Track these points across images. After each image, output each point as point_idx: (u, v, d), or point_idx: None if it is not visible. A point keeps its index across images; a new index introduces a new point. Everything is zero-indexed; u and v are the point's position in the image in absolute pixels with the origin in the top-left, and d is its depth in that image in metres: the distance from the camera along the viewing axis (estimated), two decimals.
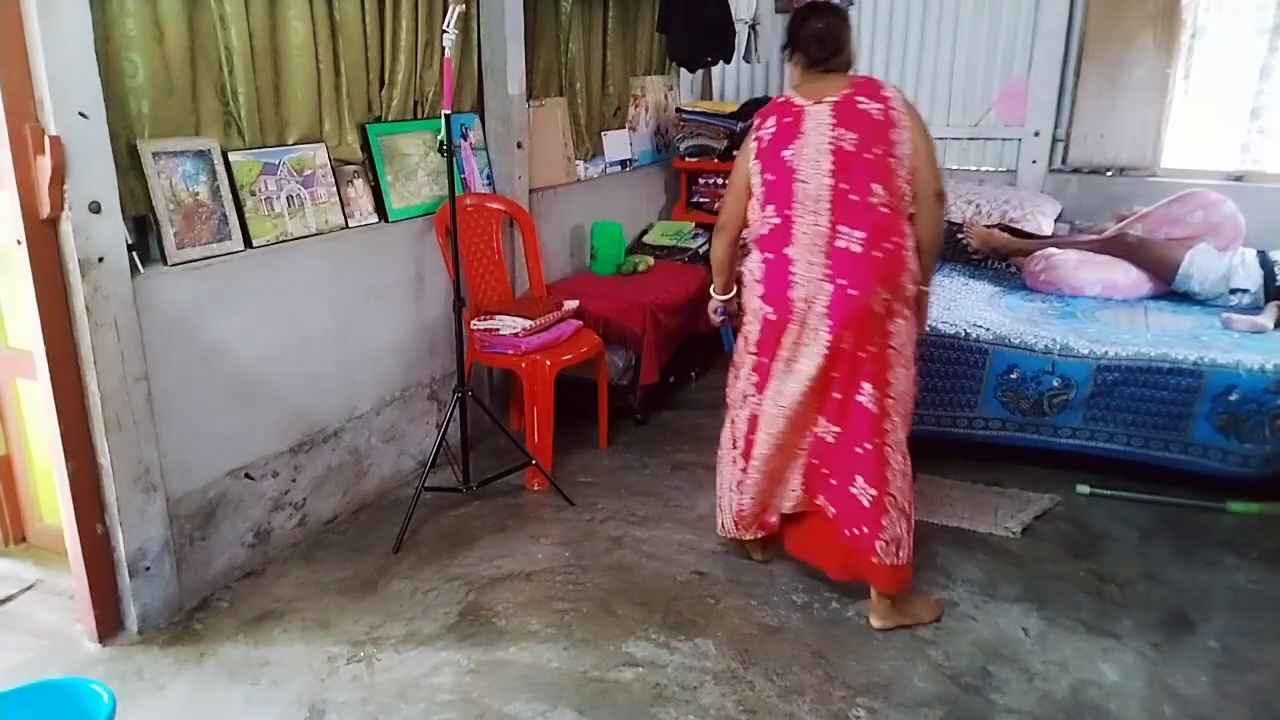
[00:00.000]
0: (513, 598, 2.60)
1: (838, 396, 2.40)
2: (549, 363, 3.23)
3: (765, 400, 2.48)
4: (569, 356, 3.30)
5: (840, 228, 2.32)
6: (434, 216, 3.26)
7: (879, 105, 2.33)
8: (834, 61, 2.42)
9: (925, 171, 2.38)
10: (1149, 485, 3.16)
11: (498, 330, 3.25)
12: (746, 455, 2.57)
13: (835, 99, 2.35)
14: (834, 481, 2.46)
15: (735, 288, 2.67)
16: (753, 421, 2.54)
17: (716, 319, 2.78)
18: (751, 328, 2.51)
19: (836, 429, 2.43)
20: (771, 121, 2.42)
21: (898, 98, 2.36)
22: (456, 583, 2.68)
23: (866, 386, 2.35)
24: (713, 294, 2.73)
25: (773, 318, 2.42)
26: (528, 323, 3.23)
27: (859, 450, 2.38)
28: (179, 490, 2.48)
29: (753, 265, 2.47)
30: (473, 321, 3.30)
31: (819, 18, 2.42)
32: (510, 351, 3.24)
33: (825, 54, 2.41)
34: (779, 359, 2.44)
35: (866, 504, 2.38)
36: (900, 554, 2.39)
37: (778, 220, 2.39)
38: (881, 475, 2.37)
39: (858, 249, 2.30)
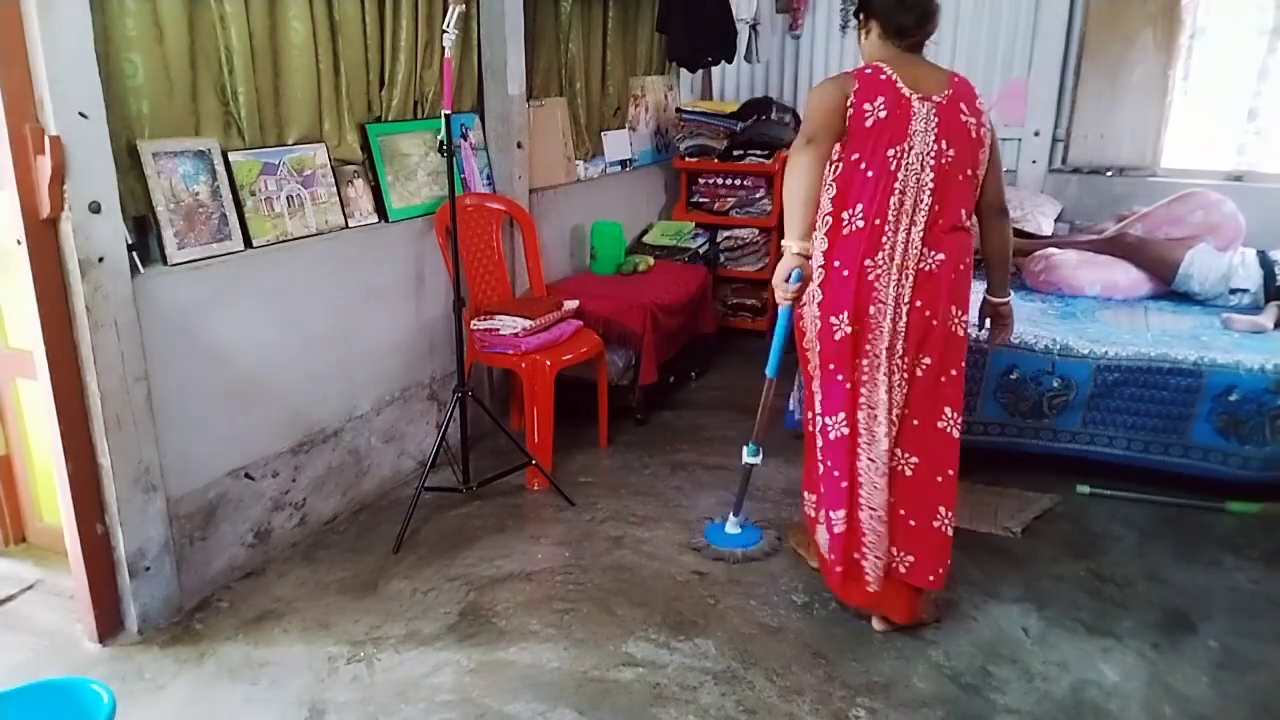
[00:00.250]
0: (513, 598, 2.60)
1: (916, 424, 2.26)
2: (549, 363, 3.23)
3: (848, 424, 2.26)
4: (569, 356, 3.30)
5: (927, 250, 2.17)
6: (434, 216, 3.26)
7: (974, 120, 2.21)
8: (923, 32, 2.24)
9: (994, 189, 2.30)
10: (1149, 485, 3.16)
11: (498, 330, 3.25)
12: (835, 498, 2.31)
13: (940, 100, 2.18)
14: (913, 522, 2.29)
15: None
16: (835, 450, 2.29)
17: (790, 292, 2.25)
18: (815, 340, 2.28)
19: (915, 460, 2.27)
20: (882, 103, 2.15)
21: (987, 113, 2.24)
22: (456, 583, 2.68)
23: (948, 411, 2.26)
24: (788, 247, 2.21)
25: (848, 331, 2.20)
26: (528, 323, 3.23)
27: (939, 479, 2.27)
28: (179, 490, 2.48)
29: (817, 260, 2.22)
30: (473, 321, 3.30)
31: None
32: (510, 351, 3.24)
33: (913, 22, 2.22)
34: (859, 382, 2.24)
35: (948, 535, 2.29)
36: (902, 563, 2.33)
37: (863, 224, 2.17)
38: (955, 504, 2.29)
39: (937, 270, 2.18)
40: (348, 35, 2.91)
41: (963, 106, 2.21)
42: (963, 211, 2.22)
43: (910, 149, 2.15)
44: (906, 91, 2.17)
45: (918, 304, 2.19)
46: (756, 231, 4.82)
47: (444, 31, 2.67)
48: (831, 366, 2.26)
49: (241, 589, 2.64)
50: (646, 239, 4.71)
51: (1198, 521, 3.02)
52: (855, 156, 2.17)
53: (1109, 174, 4.64)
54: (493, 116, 3.62)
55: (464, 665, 2.31)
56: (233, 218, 2.58)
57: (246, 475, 2.68)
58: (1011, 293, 2.55)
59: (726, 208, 4.83)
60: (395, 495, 3.21)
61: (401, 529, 2.87)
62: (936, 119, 2.17)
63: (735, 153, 4.73)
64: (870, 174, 2.16)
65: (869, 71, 2.20)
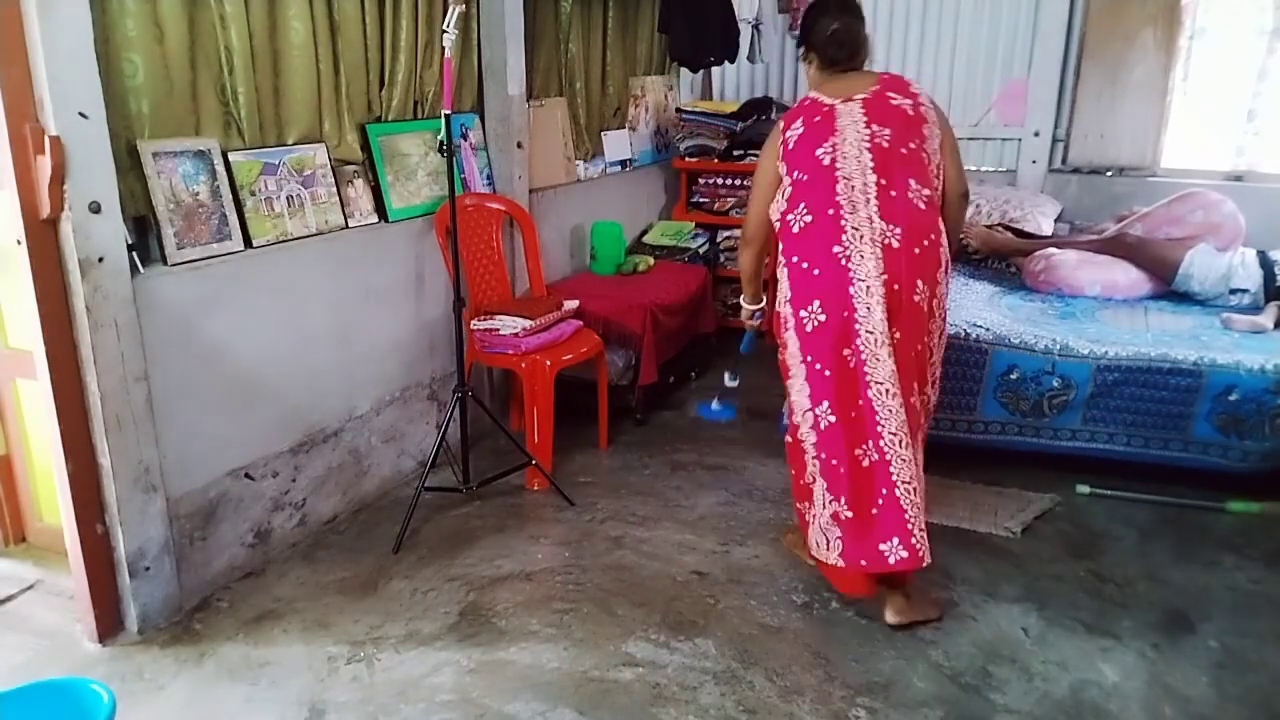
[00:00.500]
0: (513, 598, 2.60)
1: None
2: (549, 363, 3.23)
3: (834, 411, 2.31)
4: (569, 356, 3.30)
5: (888, 226, 2.27)
6: (434, 216, 3.26)
7: (909, 101, 2.35)
8: (853, 62, 2.41)
9: (953, 171, 2.40)
10: (1149, 485, 3.16)
11: (498, 330, 3.25)
12: (836, 486, 2.34)
13: (865, 95, 2.35)
14: (884, 491, 2.32)
15: (764, 295, 2.74)
16: (828, 440, 2.33)
17: (752, 324, 2.83)
18: (791, 336, 2.38)
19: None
20: (799, 123, 2.38)
21: (925, 94, 2.38)
22: (456, 583, 2.68)
23: (915, 386, 2.33)
24: (744, 304, 2.77)
25: (821, 320, 2.29)
26: (527, 323, 3.23)
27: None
28: (179, 490, 2.48)
29: (780, 260, 2.41)
30: (473, 321, 3.30)
31: (833, 17, 2.38)
32: (510, 351, 3.24)
33: (843, 55, 2.40)
34: (844, 363, 2.29)
35: (914, 503, 2.31)
36: (922, 543, 2.31)
37: (810, 219, 2.32)
38: (919, 474, 2.36)
39: (897, 245, 2.26)
40: (348, 35, 2.91)
41: (890, 94, 2.36)
42: (911, 181, 2.30)
43: (844, 140, 2.31)
44: (826, 101, 2.37)
45: (886, 278, 2.26)
46: None
47: (444, 31, 2.67)
48: (809, 358, 2.34)
49: (241, 589, 2.64)
50: (646, 239, 4.71)
51: (1198, 521, 3.02)
52: (794, 172, 2.38)
53: (1109, 174, 4.64)
54: (493, 116, 3.62)
55: (464, 665, 2.31)
56: (233, 218, 2.58)
57: (246, 475, 2.68)
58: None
59: (726, 208, 4.83)
60: (395, 495, 3.21)
61: (401, 529, 2.87)
62: (863, 110, 2.33)
63: (735, 153, 4.74)
64: (805, 177, 2.34)
65: (793, 110, 2.45)
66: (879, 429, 2.28)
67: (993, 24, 4.78)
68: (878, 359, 2.26)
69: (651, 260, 4.33)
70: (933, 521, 2.97)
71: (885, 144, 2.30)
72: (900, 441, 2.28)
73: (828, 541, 2.39)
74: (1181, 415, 3.07)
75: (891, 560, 2.29)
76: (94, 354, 2.19)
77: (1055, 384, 3.16)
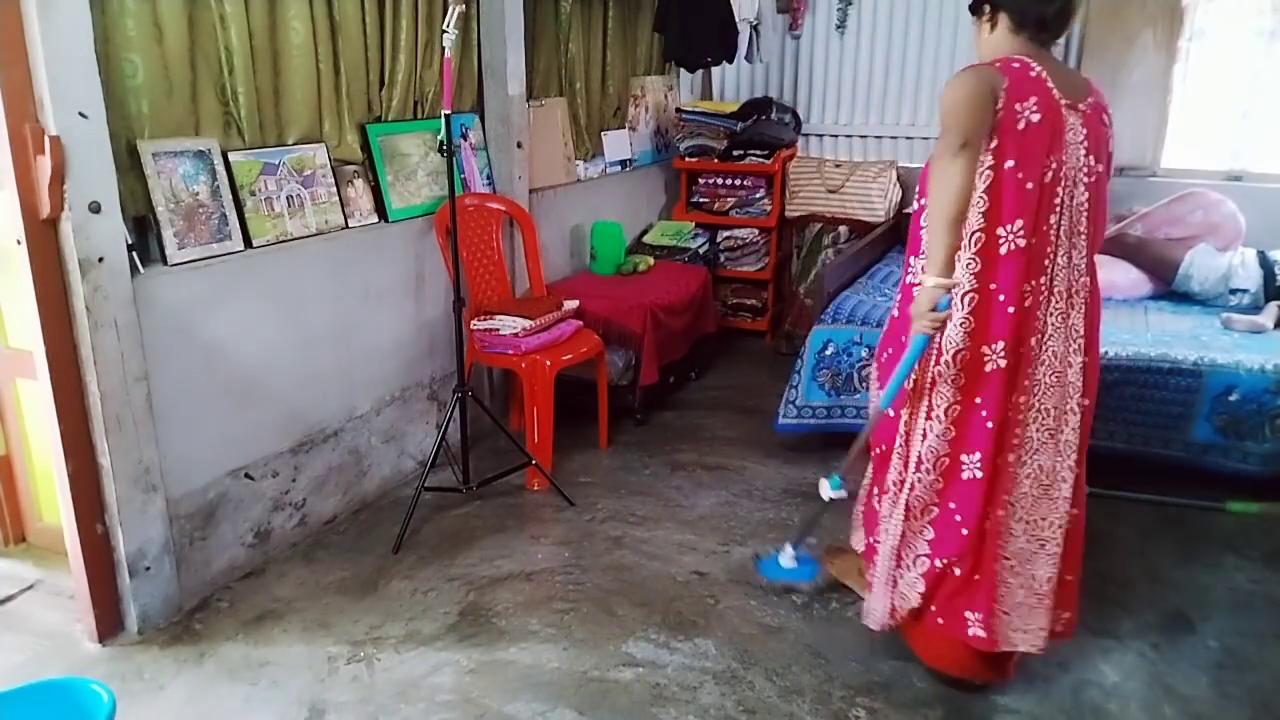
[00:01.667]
0: (513, 598, 2.60)
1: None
2: (549, 363, 3.23)
3: (983, 466, 2.01)
4: (569, 356, 3.30)
5: (1082, 276, 1.98)
6: (434, 216, 3.26)
7: (1110, 131, 2.01)
8: (1062, 33, 1.98)
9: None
10: (1149, 485, 3.16)
11: (497, 330, 3.25)
12: (959, 546, 2.05)
13: (1085, 109, 1.95)
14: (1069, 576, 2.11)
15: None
16: (974, 493, 2.03)
17: (930, 323, 1.94)
18: (953, 371, 2.00)
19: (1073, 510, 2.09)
20: (1034, 103, 1.88)
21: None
22: (456, 583, 2.68)
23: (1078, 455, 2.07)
24: (929, 279, 1.91)
25: (1001, 364, 1.96)
26: (527, 323, 3.23)
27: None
28: (179, 490, 2.48)
29: (967, 280, 1.94)
30: (472, 322, 3.30)
31: None
32: (510, 351, 3.24)
33: (1062, 21, 1.96)
34: (1029, 426, 2.00)
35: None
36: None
37: (1023, 243, 1.90)
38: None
39: (1089, 299, 2.00)
40: (348, 35, 2.91)
41: (1104, 118, 2.01)
42: (1100, 228, 2.02)
43: (1065, 161, 1.91)
44: (1057, 94, 1.90)
45: (1084, 340, 1.99)
46: (756, 232, 4.82)
47: (444, 31, 2.67)
48: (978, 400, 1.99)
49: (241, 589, 2.64)
50: (646, 239, 4.71)
51: (1198, 521, 3.02)
52: (1010, 164, 1.89)
53: None
54: (493, 116, 3.62)
55: (464, 665, 2.31)
56: (233, 218, 2.58)
57: (246, 475, 2.68)
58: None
59: (726, 208, 4.83)
60: (395, 495, 3.21)
61: (401, 529, 2.87)
62: (1085, 130, 1.94)
63: (735, 153, 4.74)
64: (1029, 185, 1.89)
65: (1016, 65, 1.90)
66: (996, 498, 2.03)
67: None
68: (1029, 423, 2.00)
69: (651, 260, 4.33)
70: None
71: (1097, 182, 1.97)
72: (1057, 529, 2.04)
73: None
74: (1181, 415, 3.07)
75: (970, 632, 2.07)
76: (94, 354, 2.19)
77: None
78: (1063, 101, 1.91)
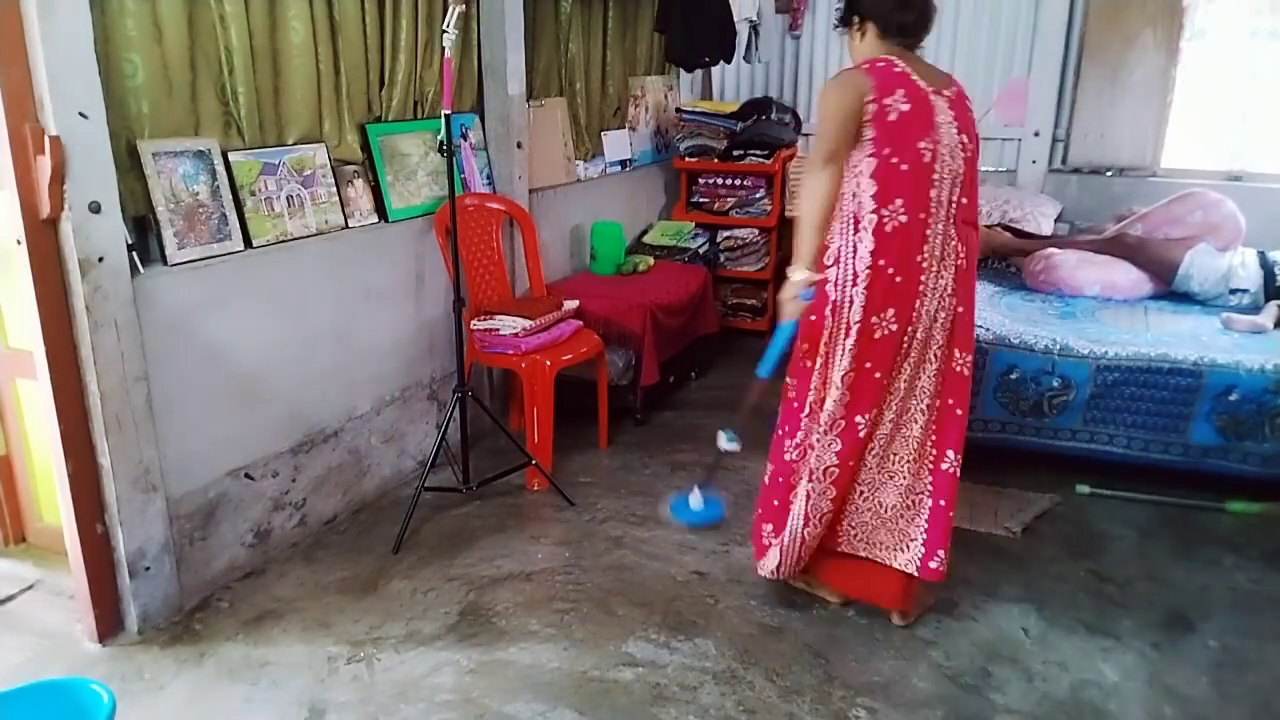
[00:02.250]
0: (513, 598, 2.60)
1: (950, 411, 2.31)
2: (549, 363, 3.23)
3: (882, 423, 2.28)
4: (569, 356, 3.30)
5: (958, 245, 2.22)
6: (434, 217, 3.26)
7: (973, 115, 2.25)
8: (923, 36, 2.21)
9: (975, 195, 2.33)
10: (1149, 485, 3.16)
11: (497, 330, 3.25)
12: (840, 484, 2.32)
13: (951, 95, 2.19)
14: (943, 502, 2.31)
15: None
16: (855, 446, 2.28)
17: (795, 309, 2.26)
18: (840, 338, 2.23)
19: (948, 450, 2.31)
20: (902, 95, 2.11)
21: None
22: (456, 583, 2.68)
23: (951, 402, 2.31)
24: (794, 275, 2.22)
25: (891, 329, 2.19)
26: (527, 323, 3.23)
27: (945, 466, 2.31)
28: (179, 490, 2.48)
29: (863, 259, 2.17)
30: (472, 322, 3.30)
31: None
32: (510, 351, 3.24)
33: (921, 27, 2.19)
34: (899, 378, 2.25)
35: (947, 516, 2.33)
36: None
37: (905, 220, 2.14)
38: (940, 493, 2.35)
39: (964, 265, 2.24)
40: (348, 35, 2.91)
41: (967, 103, 2.25)
42: (976, 202, 2.29)
43: (939, 140, 2.14)
44: (923, 85, 2.15)
45: (955, 299, 2.23)
46: (756, 232, 4.81)
47: (444, 31, 2.67)
48: (868, 365, 2.23)
49: (241, 589, 2.64)
50: (646, 239, 4.71)
51: (1198, 521, 3.02)
52: (887, 151, 2.13)
53: (1109, 174, 4.64)
54: (493, 116, 3.62)
55: (464, 665, 2.31)
56: (233, 218, 2.58)
57: (246, 475, 2.68)
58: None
59: (726, 208, 4.83)
60: (395, 495, 3.21)
61: (401, 529, 2.87)
62: (953, 113, 2.18)
63: (735, 153, 4.74)
64: (905, 168, 2.13)
65: (882, 64, 2.15)
66: (876, 453, 2.32)
67: (993, 24, 4.78)
68: (903, 373, 2.25)
69: (651, 260, 4.33)
70: None
71: (970, 156, 2.20)
72: (902, 458, 2.32)
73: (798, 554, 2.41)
74: (1181, 416, 3.07)
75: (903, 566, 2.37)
76: (94, 354, 2.19)
77: (1055, 384, 3.16)
78: (929, 90, 2.15)
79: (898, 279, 2.17)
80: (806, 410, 2.34)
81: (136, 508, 2.34)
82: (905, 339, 2.21)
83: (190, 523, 2.53)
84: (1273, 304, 3.48)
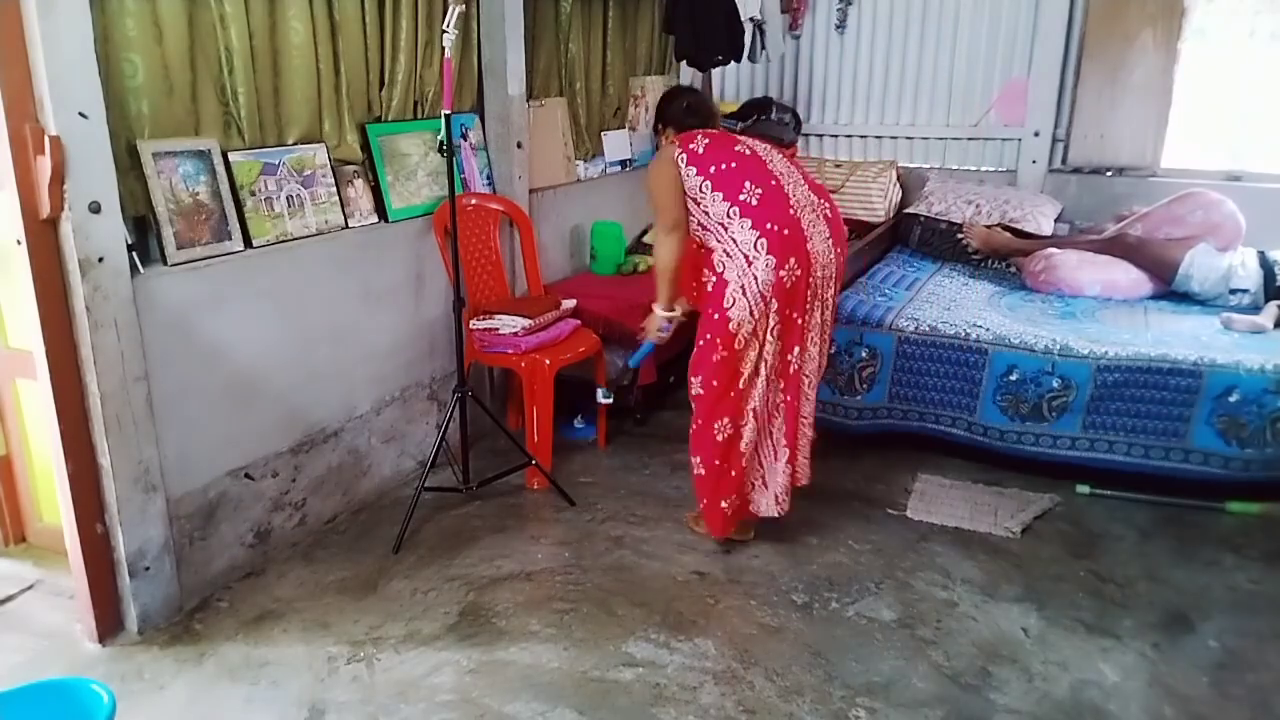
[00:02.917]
0: (513, 598, 2.60)
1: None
2: (548, 362, 3.23)
3: (806, 358, 2.69)
4: (568, 356, 3.30)
5: (817, 198, 2.74)
6: (433, 216, 3.26)
7: (790, 151, 2.93)
8: (710, 124, 2.86)
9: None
10: (1149, 486, 3.16)
11: (497, 330, 3.25)
12: (789, 418, 2.73)
13: (765, 144, 2.81)
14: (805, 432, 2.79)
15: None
16: (793, 381, 2.68)
17: (661, 335, 2.85)
18: (752, 298, 2.56)
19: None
20: (699, 138, 2.70)
21: None
22: (456, 583, 2.68)
23: (828, 339, 2.82)
24: (659, 311, 2.78)
25: (798, 273, 2.56)
26: (527, 322, 3.23)
27: (809, 396, 2.77)
28: (179, 490, 2.48)
29: (746, 232, 2.55)
30: (471, 321, 3.30)
31: (684, 96, 2.93)
32: (510, 351, 3.24)
33: (712, 121, 2.89)
34: (811, 317, 2.65)
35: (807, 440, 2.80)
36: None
37: (761, 191, 2.58)
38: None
39: (829, 214, 2.73)
40: (348, 35, 2.91)
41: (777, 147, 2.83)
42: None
43: (762, 148, 2.72)
44: (738, 146, 2.68)
45: (831, 240, 2.70)
46: None
47: (444, 31, 2.67)
48: (789, 311, 2.59)
49: (241, 589, 2.64)
50: (646, 239, 4.70)
51: (1198, 521, 3.02)
52: (714, 168, 2.61)
53: (1109, 174, 4.64)
54: (493, 116, 3.62)
55: (464, 665, 2.31)
56: (233, 218, 2.58)
57: (246, 475, 2.68)
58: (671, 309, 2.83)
59: None
60: (395, 495, 3.21)
61: (401, 529, 2.87)
62: (775, 150, 2.76)
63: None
64: (734, 165, 2.61)
65: (698, 137, 2.69)
66: (804, 378, 2.72)
67: (993, 24, 4.78)
68: (816, 312, 2.66)
69: (651, 260, 4.32)
70: (933, 522, 3.00)
71: (805, 177, 2.76)
72: (811, 387, 2.76)
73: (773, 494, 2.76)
74: (1181, 417, 3.06)
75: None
76: (94, 354, 2.19)
77: (1055, 384, 3.16)
78: (743, 143, 2.70)
79: (785, 232, 2.54)
80: (740, 385, 2.63)
81: (136, 508, 2.34)
82: (809, 282, 2.59)
83: (190, 523, 2.53)
84: (1273, 304, 3.47)
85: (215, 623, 2.49)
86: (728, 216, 2.57)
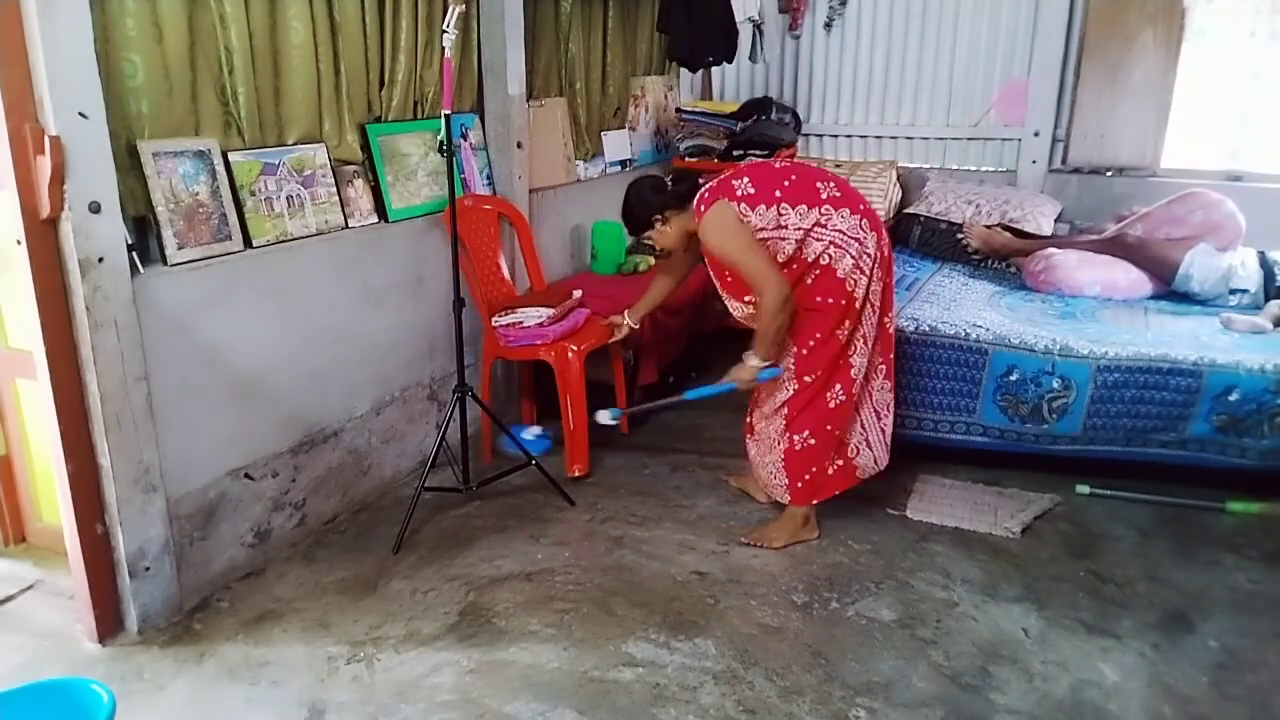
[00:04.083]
0: (513, 598, 2.60)
1: None
2: (575, 348, 3.25)
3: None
4: (591, 342, 3.32)
5: None
6: (440, 216, 3.26)
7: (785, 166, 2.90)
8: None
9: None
10: (1149, 485, 3.16)
11: (521, 322, 3.27)
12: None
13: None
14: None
15: None
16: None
17: (752, 384, 2.78)
18: (866, 269, 2.71)
19: None
20: (749, 187, 2.72)
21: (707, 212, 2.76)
22: (456, 583, 2.68)
23: None
24: (752, 360, 2.70)
25: (886, 243, 2.80)
26: (550, 311, 3.27)
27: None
28: (179, 490, 2.48)
29: (849, 219, 2.70)
30: (493, 319, 3.31)
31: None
32: (539, 342, 3.26)
33: (692, 193, 2.84)
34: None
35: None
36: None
37: (834, 184, 2.75)
38: None
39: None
40: (348, 35, 2.91)
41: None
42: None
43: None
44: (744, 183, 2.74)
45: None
46: None
47: (444, 31, 2.67)
48: (889, 279, 2.83)
49: (241, 589, 2.64)
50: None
51: (1198, 521, 3.02)
52: (817, 196, 2.72)
53: (1109, 174, 4.64)
54: (493, 116, 3.62)
55: (464, 665, 2.31)
56: (233, 218, 2.58)
57: (246, 475, 2.68)
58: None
59: None
60: (395, 495, 3.21)
61: (401, 529, 2.87)
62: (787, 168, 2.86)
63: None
64: (832, 184, 2.75)
65: (729, 180, 2.72)
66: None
67: (992, 24, 4.77)
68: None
69: (652, 260, 4.32)
70: (933, 522, 3.00)
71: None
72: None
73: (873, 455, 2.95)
74: (1181, 416, 3.06)
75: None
76: (94, 354, 2.19)
77: (1055, 385, 3.15)
78: (777, 161, 2.98)
79: (873, 209, 2.78)
80: (841, 359, 2.74)
81: (136, 508, 2.34)
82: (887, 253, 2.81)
83: (190, 523, 2.53)
84: (1273, 304, 3.47)
85: (215, 623, 2.49)
86: (822, 215, 2.65)
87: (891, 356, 2.91)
